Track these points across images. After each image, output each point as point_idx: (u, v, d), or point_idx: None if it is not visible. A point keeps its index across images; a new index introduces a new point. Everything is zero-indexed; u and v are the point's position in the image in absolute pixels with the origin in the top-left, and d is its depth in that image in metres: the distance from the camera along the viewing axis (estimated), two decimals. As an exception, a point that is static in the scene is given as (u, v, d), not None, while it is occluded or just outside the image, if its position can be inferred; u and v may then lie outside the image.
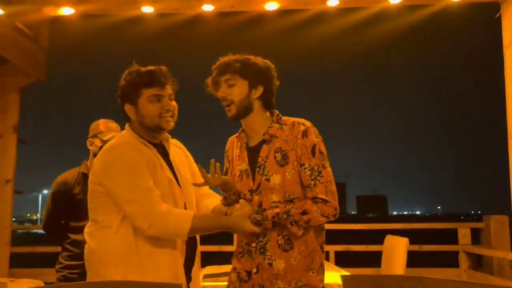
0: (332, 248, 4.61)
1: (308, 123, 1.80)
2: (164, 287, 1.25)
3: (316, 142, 1.76)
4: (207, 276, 2.71)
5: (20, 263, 4.76)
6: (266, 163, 1.78)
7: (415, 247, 4.50)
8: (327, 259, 4.40)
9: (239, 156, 1.87)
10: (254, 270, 1.75)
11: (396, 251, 3.08)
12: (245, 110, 1.81)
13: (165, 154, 1.84)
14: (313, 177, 1.73)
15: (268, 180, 1.76)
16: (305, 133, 1.76)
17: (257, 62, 1.83)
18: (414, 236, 3.61)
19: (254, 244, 1.77)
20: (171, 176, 1.79)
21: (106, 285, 1.26)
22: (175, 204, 1.76)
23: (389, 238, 3.37)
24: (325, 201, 1.71)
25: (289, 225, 1.71)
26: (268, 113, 1.86)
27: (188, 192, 1.86)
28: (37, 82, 4.38)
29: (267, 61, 1.86)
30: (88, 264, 1.77)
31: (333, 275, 2.71)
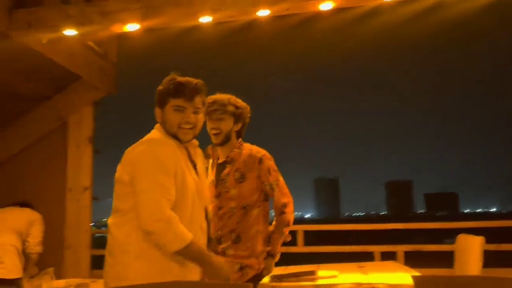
0: (400, 248, 4.46)
1: (262, 152, 2.41)
2: None
3: (270, 165, 2.41)
4: (274, 277, 2.75)
5: (100, 264, 5.08)
6: (227, 179, 2.38)
7: (492, 246, 4.23)
8: (395, 259, 4.27)
9: (212, 168, 2.46)
10: None
11: (470, 251, 2.94)
12: (227, 138, 2.39)
13: (188, 156, 1.93)
14: (272, 188, 2.40)
15: (227, 191, 2.36)
16: (261, 161, 2.39)
17: (243, 106, 2.43)
18: (490, 235, 3.41)
19: None
20: (197, 180, 1.88)
21: (181, 285, 1.32)
22: (194, 209, 1.83)
23: (461, 237, 3.21)
24: (284, 204, 2.41)
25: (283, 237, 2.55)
26: (236, 141, 2.44)
27: (206, 199, 1.98)
28: (109, 95, 4.69)
29: (246, 105, 2.45)
30: (110, 260, 1.87)
31: (403, 276, 2.64)
